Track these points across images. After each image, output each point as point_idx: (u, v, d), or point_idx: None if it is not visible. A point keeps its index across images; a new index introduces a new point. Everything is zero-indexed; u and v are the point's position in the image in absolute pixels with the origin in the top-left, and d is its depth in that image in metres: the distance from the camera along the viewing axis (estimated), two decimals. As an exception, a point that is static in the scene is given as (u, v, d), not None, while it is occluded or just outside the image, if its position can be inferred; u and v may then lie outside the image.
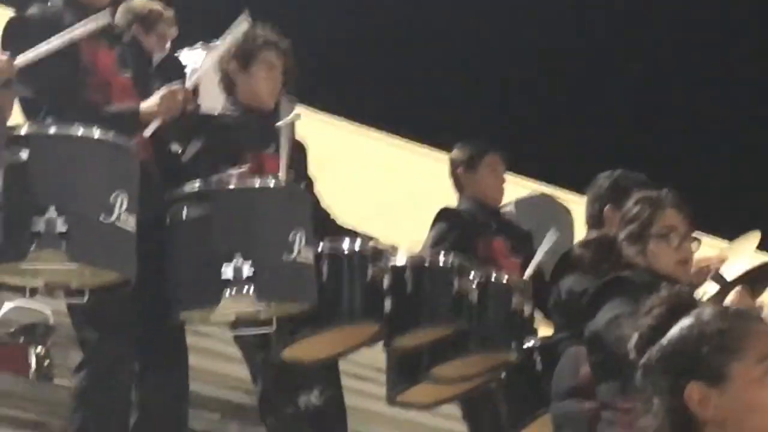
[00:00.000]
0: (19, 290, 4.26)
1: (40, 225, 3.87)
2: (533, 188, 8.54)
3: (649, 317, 1.99)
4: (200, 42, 6.35)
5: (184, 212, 4.32)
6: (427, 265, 5.05)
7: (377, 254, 4.82)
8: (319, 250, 4.59)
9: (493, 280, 5.14)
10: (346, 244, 4.76)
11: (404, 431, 6.30)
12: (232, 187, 4.44)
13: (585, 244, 4.43)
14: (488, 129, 10.15)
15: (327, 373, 5.02)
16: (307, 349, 4.79)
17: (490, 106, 13.41)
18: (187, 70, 5.79)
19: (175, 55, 6.14)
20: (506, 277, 5.22)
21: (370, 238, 4.93)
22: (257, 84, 4.86)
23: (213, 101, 5.19)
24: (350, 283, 4.73)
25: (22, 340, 5.46)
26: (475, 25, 13.67)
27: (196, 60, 6.04)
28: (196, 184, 4.40)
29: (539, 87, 14.05)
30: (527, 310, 5.22)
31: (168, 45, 5.94)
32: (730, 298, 3.81)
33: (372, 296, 4.77)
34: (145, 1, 5.81)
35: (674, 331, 1.93)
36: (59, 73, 4.33)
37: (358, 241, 4.81)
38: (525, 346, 5.13)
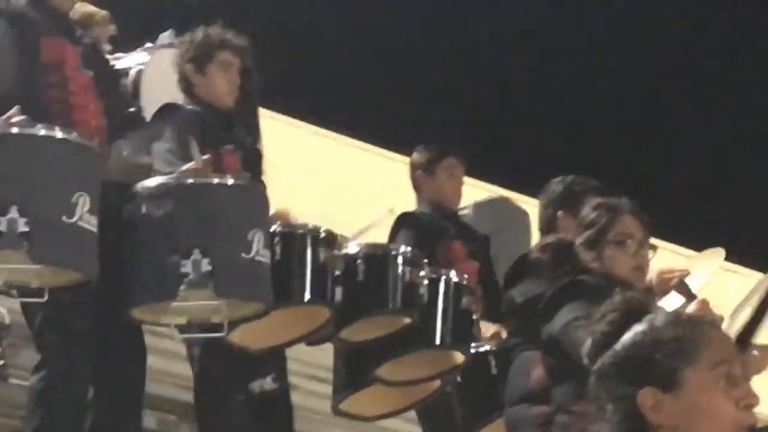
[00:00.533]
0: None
1: (2, 225, 3.87)
2: (492, 191, 8.60)
3: (602, 323, 1.99)
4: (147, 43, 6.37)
5: (143, 208, 4.30)
6: (379, 253, 5.00)
7: (330, 240, 4.82)
8: (272, 229, 4.59)
9: (444, 277, 5.09)
10: (300, 226, 4.84)
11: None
12: (190, 182, 4.42)
13: (542, 248, 4.40)
14: (447, 132, 10.24)
15: (278, 361, 5.04)
16: (256, 335, 4.70)
17: (449, 109, 13.47)
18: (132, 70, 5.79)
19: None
20: (459, 276, 5.18)
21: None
22: (214, 84, 4.91)
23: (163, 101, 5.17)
24: (301, 265, 4.69)
25: (-24, 339, 5.43)
26: (433, 29, 13.77)
27: (140, 60, 5.96)
28: (154, 181, 4.40)
29: (497, 91, 14.09)
30: (476, 313, 5.20)
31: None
32: (692, 307, 3.77)
33: (323, 281, 4.72)
34: (78, 4, 5.83)
35: (627, 336, 1.94)
36: (15, 68, 4.37)
37: (311, 225, 4.85)
38: (480, 350, 5.11)
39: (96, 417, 4.48)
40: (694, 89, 14.15)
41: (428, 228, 5.58)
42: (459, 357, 5.10)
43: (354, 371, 5.13)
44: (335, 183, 8.73)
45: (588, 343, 2.03)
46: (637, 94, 14.33)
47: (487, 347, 5.15)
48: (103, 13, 6.18)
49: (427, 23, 13.76)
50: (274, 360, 5.00)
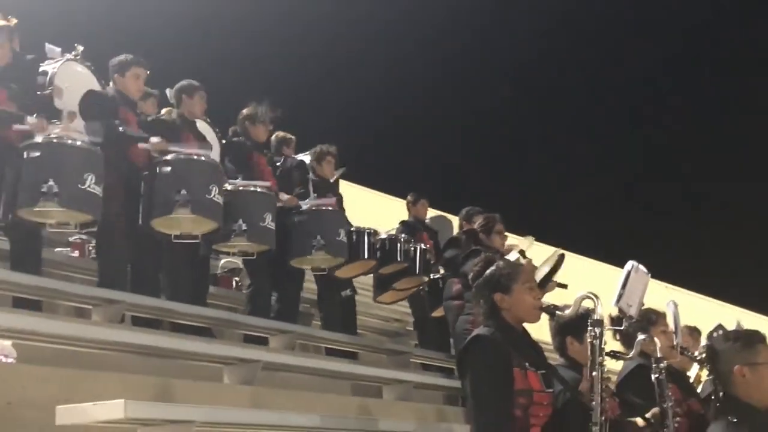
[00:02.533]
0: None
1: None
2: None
3: (477, 265, 4.49)
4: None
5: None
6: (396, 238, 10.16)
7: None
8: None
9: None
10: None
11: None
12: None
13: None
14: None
15: (351, 283, 9.96)
16: (345, 272, 9.47)
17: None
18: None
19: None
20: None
21: None
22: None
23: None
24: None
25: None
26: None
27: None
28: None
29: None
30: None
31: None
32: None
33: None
34: None
35: (488, 270, 4.43)
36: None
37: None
38: (434, 277, 10.19)
39: None
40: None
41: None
42: (424, 279, 10.23)
43: (382, 285, 10.34)
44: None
45: (472, 274, 4.52)
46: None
47: (437, 276, 10.15)
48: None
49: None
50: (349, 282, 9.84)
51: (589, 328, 4.17)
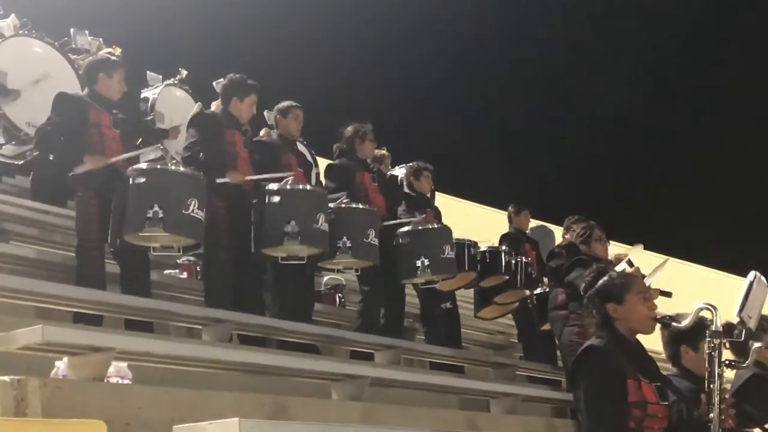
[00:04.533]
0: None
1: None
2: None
3: (589, 276, 4.43)
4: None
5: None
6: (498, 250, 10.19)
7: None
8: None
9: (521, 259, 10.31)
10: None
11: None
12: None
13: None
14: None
15: (453, 294, 9.96)
16: (446, 285, 9.36)
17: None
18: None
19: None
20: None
21: None
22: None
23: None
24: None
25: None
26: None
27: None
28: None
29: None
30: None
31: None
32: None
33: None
34: None
35: (600, 281, 4.35)
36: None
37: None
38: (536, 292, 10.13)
39: None
40: None
41: None
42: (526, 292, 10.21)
43: (483, 299, 10.34)
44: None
45: (583, 285, 4.47)
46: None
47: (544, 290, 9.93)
48: None
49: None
50: (450, 294, 9.83)
51: (707, 339, 4.09)
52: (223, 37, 20.51)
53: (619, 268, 4.48)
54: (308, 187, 7.91)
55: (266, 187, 7.60)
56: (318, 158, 11.03)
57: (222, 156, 7.68)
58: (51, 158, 8.08)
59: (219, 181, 7.49)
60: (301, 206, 7.60)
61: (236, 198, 7.66)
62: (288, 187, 7.58)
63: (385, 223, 8.70)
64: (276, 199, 7.52)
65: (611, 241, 9.24)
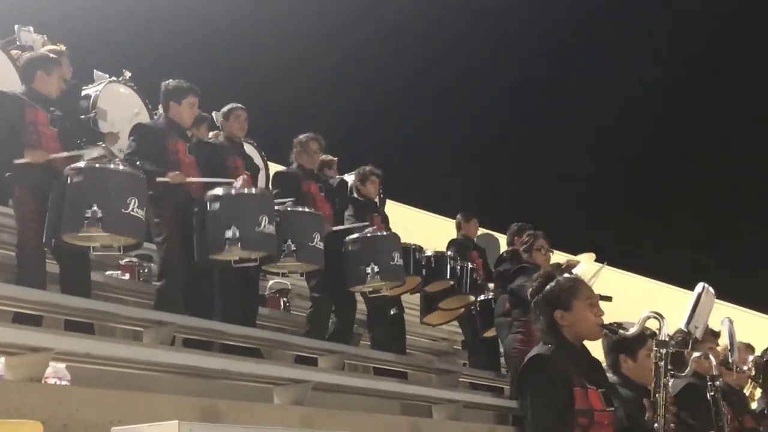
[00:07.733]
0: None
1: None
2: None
3: (536, 281, 4.29)
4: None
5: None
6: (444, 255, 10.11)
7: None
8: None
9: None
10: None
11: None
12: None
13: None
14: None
15: (399, 300, 9.91)
16: (395, 291, 9.36)
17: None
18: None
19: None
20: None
21: None
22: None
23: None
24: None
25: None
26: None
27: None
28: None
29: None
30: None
31: None
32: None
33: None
34: None
35: (548, 287, 4.21)
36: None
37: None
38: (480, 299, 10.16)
39: None
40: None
41: None
42: (471, 298, 10.17)
43: (427, 305, 10.23)
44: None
45: (530, 290, 4.37)
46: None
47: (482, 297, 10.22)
48: None
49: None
50: (397, 300, 9.79)
51: (654, 348, 4.08)
52: (175, 37, 20.32)
53: (576, 271, 4.44)
54: (253, 191, 7.79)
55: (207, 194, 7.49)
56: (270, 164, 10.98)
57: (165, 165, 7.54)
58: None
59: (159, 180, 7.36)
60: (242, 211, 7.48)
61: (184, 204, 7.56)
62: (232, 192, 7.47)
63: (334, 228, 8.64)
64: (216, 205, 7.40)
65: (556, 251, 9.27)
